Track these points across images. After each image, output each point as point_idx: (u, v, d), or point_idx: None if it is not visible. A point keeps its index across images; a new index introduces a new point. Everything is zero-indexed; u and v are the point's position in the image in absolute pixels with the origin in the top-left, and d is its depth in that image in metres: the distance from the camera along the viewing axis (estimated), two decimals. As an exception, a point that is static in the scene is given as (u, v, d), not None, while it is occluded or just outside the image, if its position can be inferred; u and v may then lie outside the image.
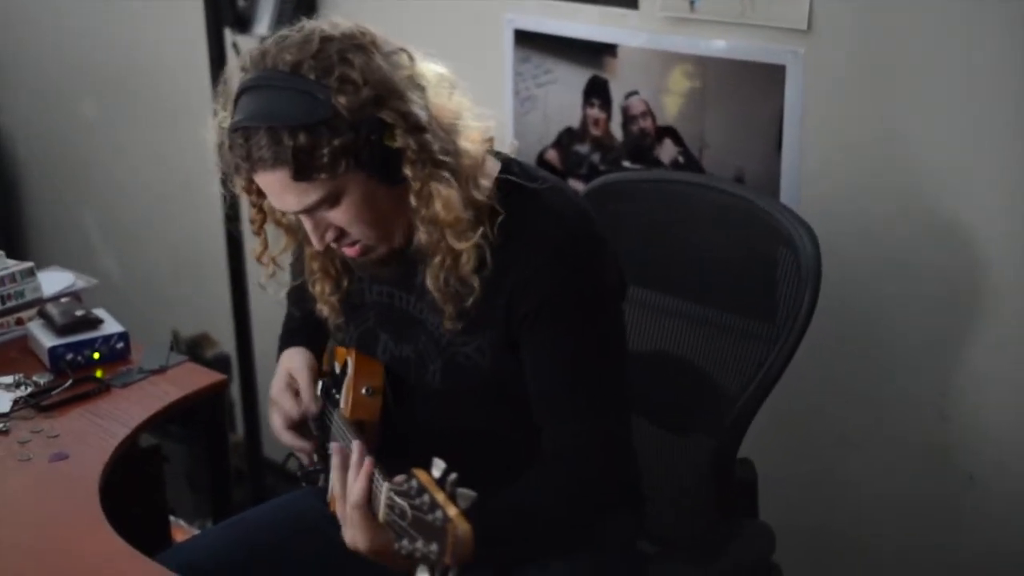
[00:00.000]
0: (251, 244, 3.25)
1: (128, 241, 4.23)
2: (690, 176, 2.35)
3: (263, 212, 1.84)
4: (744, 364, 2.00)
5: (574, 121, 2.59)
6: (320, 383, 1.95)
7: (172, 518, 2.68)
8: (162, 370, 2.31)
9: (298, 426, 1.95)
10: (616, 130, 2.51)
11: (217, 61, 3.17)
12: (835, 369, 2.32)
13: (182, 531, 2.85)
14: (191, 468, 3.21)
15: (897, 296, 2.22)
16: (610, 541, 1.87)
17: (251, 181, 1.73)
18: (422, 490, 1.42)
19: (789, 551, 2.02)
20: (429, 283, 1.73)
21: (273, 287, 1.94)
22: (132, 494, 2.18)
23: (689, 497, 2.05)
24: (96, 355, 2.33)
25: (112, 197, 4.24)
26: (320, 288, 1.90)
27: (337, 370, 1.97)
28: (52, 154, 4.47)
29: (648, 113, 2.45)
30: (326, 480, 1.96)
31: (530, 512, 1.70)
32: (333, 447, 1.67)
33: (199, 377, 2.33)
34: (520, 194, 1.73)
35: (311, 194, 1.64)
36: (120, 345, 2.36)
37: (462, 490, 1.40)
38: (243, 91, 1.64)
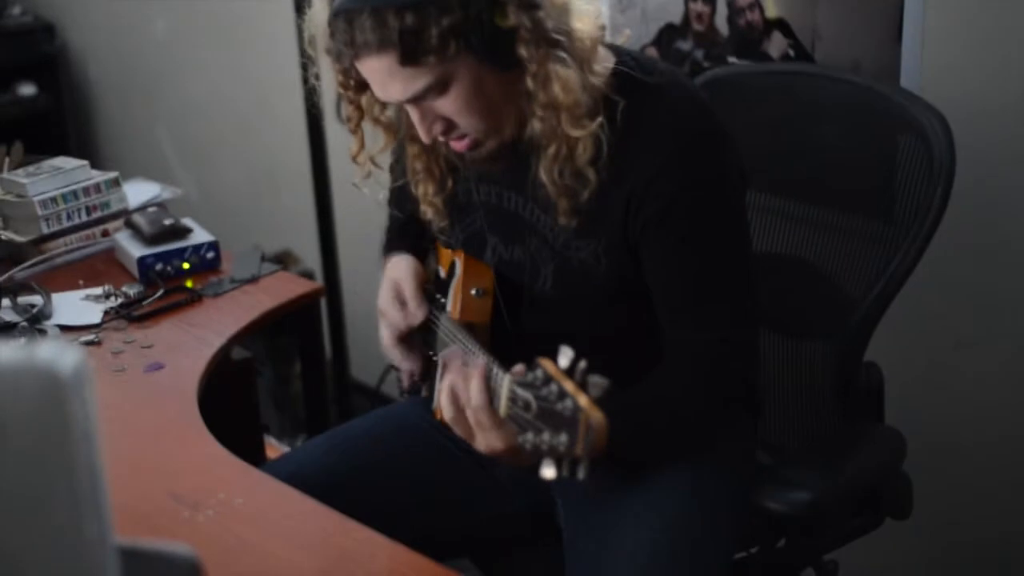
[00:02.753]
0: (335, 159, 3.28)
1: (206, 160, 4.17)
2: (804, 66, 2.22)
3: (360, 109, 1.74)
4: (867, 265, 1.89)
5: (675, 17, 2.47)
6: (425, 289, 1.86)
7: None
8: (254, 279, 2.24)
9: (406, 339, 1.86)
10: (721, 24, 2.39)
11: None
12: (958, 269, 2.19)
13: (273, 449, 2.79)
14: (275, 386, 3.16)
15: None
16: (731, 447, 1.79)
17: (347, 75, 1.65)
18: (548, 379, 1.32)
19: (912, 460, 1.91)
20: (543, 175, 1.63)
21: (370, 187, 1.85)
22: (225, 408, 2.11)
23: (810, 404, 1.96)
24: (186, 265, 2.26)
25: (188, 116, 4.18)
26: (423, 189, 1.81)
27: (442, 274, 1.89)
28: (125, 74, 4.42)
29: (756, 4, 2.32)
30: (430, 389, 1.89)
31: (659, 407, 1.63)
32: (443, 354, 1.57)
33: (293, 286, 2.26)
34: (637, 87, 1.62)
35: (418, 80, 1.54)
36: (211, 255, 2.29)
37: (594, 378, 1.30)
38: None
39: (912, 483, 1.89)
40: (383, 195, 1.90)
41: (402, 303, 1.84)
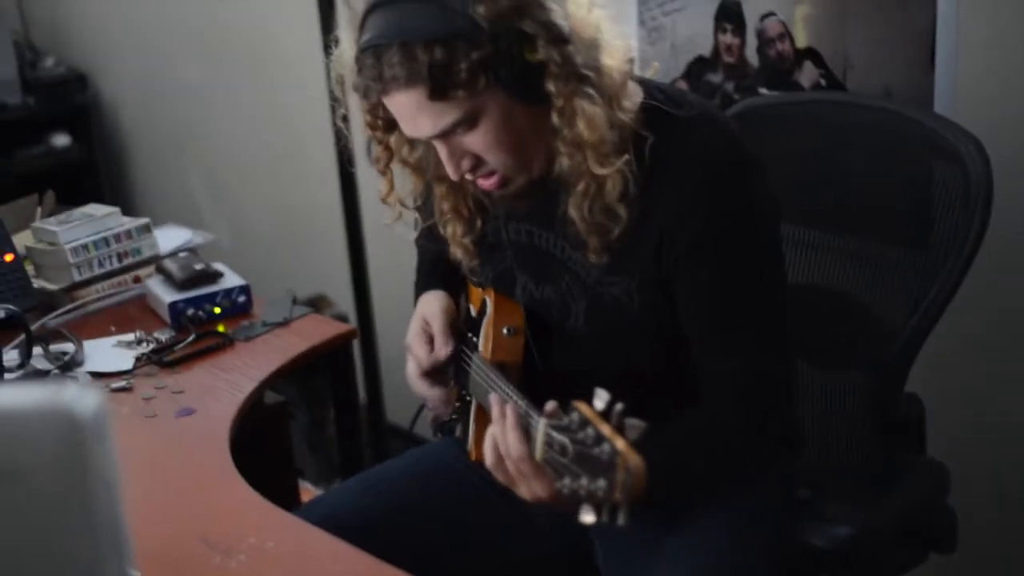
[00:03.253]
0: (368, 204, 3.27)
1: (238, 205, 4.17)
2: (834, 95, 2.20)
3: (389, 149, 1.72)
4: (904, 294, 1.86)
5: (705, 49, 2.45)
6: (455, 327, 1.84)
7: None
8: (286, 323, 2.23)
9: (433, 374, 1.85)
10: (751, 55, 2.37)
11: (327, 15, 3.07)
12: (998, 298, 2.16)
13: (308, 493, 2.77)
14: (310, 430, 3.14)
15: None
16: (770, 484, 1.75)
17: (375, 114, 1.64)
18: (585, 423, 1.30)
19: (960, 493, 1.87)
20: (572, 213, 1.61)
21: (401, 228, 1.83)
22: (259, 453, 2.09)
23: (850, 438, 1.92)
24: (217, 309, 2.25)
25: (220, 161, 4.19)
26: (452, 230, 1.79)
27: (473, 312, 1.87)
28: (157, 121, 4.44)
29: (786, 35, 2.30)
30: (464, 428, 1.87)
31: (693, 443, 1.60)
32: (492, 399, 1.55)
33: (325, 328, 2.25)
34: (666, 121, 1.60)
35: (447, 115, 1.53)
36: (242, 299, 2.28)
37: (631, 421, 1.28)
38: (371, 8, 1.53)
39: (957, 516, 1.85)
40: (412, 236, 1.89)
41: (429, 339, 1.82)
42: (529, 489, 1.49)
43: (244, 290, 2.28)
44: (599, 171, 1.56)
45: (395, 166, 1.74)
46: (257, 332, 2.19)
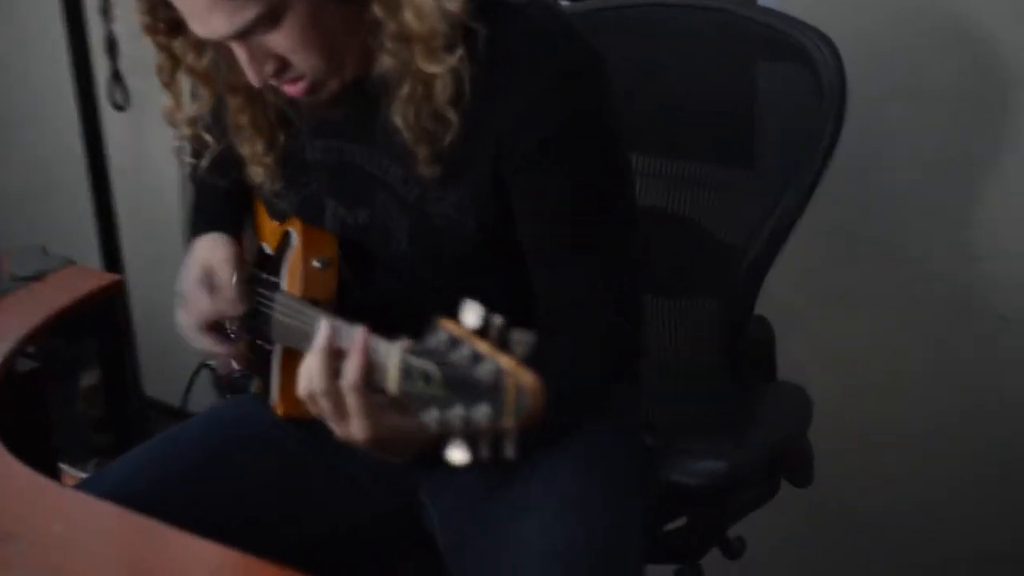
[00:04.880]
0: (117, 158, 2.97)
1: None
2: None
3: (174, 57, 1.48)
4: (747, 215, 1.72)
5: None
6: (246, 272, 1.62)
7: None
8: (40, 276, 1.93)
9: (217, 326, 1.62)
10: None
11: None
12: (841, 212, 2.06)
13: (71, 478, 2.47)
14: (70, 402, 2.84)
15: (907, 121, 1.98)
16: (620, 423, 1.59)
17: (157, 16, 1.41)
18: (455, 342, 1.08)
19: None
20: (396, 119, 1.40)
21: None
22: (9, 430, 1.81)
23: (699, 367, 1.77)
24: (-48, 267, 1.94)
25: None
26: (250, 148, 1.55)
27: (268, 250, 1.64)
28: None
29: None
30: (265, 382, 1.64)
31: (559, 381, 1.40)
32: (321, 327, 1.31)
33: (86, 280, 1.95)
34: (498, 12, 1.40)
35: (245, 11, 1.30)
36: (-20, 253, 1.97)
37: (516, 334, 1.06)
38: None
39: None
40: (205, 162, 1.63)
41: (210, 288, 1.58)
42: (350, 427, 1.28)
43: (-14, 241, 1.97)
44: (429, 68, 1.36)
45: (181, 76, 1.49)
46: (6, 288, 1.89)
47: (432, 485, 1.59)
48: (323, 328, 1.29)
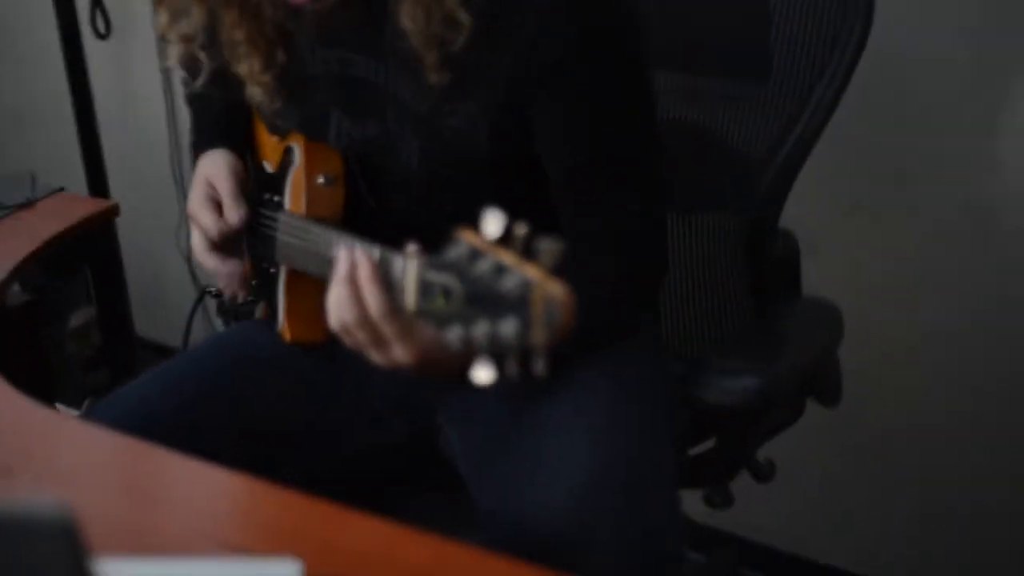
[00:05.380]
0: (101, 81, 2.87)
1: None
2: None
3: None
4: (770, 123, 1.65)
5: None
6: (246, 188, 1.55)
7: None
8: (30, 204, 1.85)
9: (224, 246, 1.54)
10: None
11: None
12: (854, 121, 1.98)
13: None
14: (59, 343, 2.75)
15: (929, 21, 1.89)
16: (645, 344, 1.52)
17: None
18: (476, 254, 1.00)
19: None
20: (405, 21, 1.32)
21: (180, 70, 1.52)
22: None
23: (724, 284, 1.70)
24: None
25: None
26: (248, 65, 1.46)
27: (270, 168, 1.56)
28: None
29: None
30: (271, 305, 1.57)
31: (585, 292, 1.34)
32: (338, 249, 1.23)
33: (79, 206, 1.88)
34: None
35: None
36: (-32, 182, 1.89)
37: (543, 243, 0.98)
38: None
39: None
40: (200, 83, 1.55)
41: (216, 205, 1.52)
42: (392, 353, 1.20)
43: (-30, 170, 1.89)
44: None
45: None
46: (-5, 217, 1.82)
47: (451, 409, 1.52)
48: (343, 255, 1.21)
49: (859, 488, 2.28)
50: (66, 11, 2.73)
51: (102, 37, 2.86)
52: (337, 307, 1.20)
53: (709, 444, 1.57)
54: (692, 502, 1.55)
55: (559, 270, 0.98)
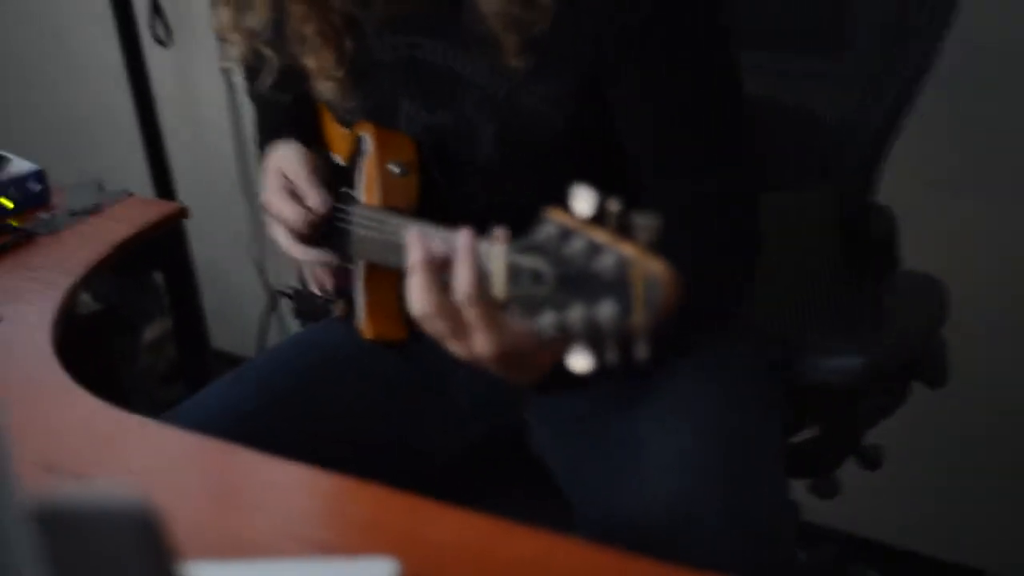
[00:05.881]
0: (162, 87, 2.85)
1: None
2: None
3: None
4: (859, 95, 1.58)
5: None
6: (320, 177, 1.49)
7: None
8: (98, 209, 1.81)
9: (310, 236, 1.47)
10: None
11: None
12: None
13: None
14: (132, 357, 2.72)
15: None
16: (737, 329, 1.45)
17: None
18: (567, 234, 0.93)
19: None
20: (483, 6, 1.26)
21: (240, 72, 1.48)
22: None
23: (817, 262, 1.62)
24: (7, 203, 1.81)
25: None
26: (318, 60, 1.41)
27: (339, 161, 1.51)
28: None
29: None
30: (349, 304, 1.52)
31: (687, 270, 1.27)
32: (410, 236, 1.17)
33: (147, 210, 1.82)
34: None
35: None
36: (37, 187, 1.84)
37: (639, 218, 0.91)
38: None
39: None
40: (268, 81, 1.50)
41: (292, 195, 1.45)
42: (474, 343, 1.12)
43: (38, 176, 1.84)
44: None
45: None
46: (63, 223, 1.77)
47: (540, 405, 1.46)
48: (414, 240, 1.14)
49: (977, 472, 2.17)
50: (125, 19, 2.70)
51: (162, 43, 2.83)
52: (415, 293, 1.13)
53: (812, 432, 1.49)
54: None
55: (657, 246, 0.91)
